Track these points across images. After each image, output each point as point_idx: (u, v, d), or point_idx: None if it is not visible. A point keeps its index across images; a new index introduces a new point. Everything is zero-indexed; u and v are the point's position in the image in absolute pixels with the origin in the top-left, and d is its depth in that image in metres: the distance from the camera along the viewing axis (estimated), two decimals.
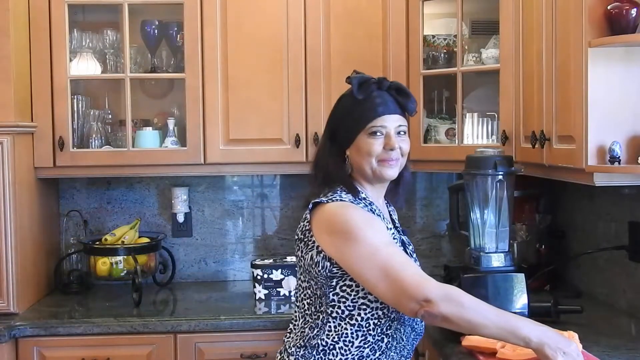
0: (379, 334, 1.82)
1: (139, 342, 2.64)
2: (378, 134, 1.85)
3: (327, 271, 1.80)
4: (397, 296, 1.70)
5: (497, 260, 2.33)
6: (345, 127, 1.89)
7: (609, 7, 1.98)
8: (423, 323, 1.88)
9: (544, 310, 2.36)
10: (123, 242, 3.03)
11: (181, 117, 3.06)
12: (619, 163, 1.97)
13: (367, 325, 1.81)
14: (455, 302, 1.67)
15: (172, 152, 2.98)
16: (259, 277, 2.94)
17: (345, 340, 1.81)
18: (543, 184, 2.84)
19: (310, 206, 1.83)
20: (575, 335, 2.01)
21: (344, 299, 1.81)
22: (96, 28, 3.07)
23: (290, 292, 2.94)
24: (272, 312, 2.80)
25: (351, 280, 1.79)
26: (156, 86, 3.24)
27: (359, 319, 1.81)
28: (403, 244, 1.94)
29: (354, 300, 1.81)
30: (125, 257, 2.96)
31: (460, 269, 2.35)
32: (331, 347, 1.81)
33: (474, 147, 2.68)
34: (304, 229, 1.86)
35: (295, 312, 1.94)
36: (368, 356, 1.82)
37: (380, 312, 1.81)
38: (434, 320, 1.69)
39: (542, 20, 2.32)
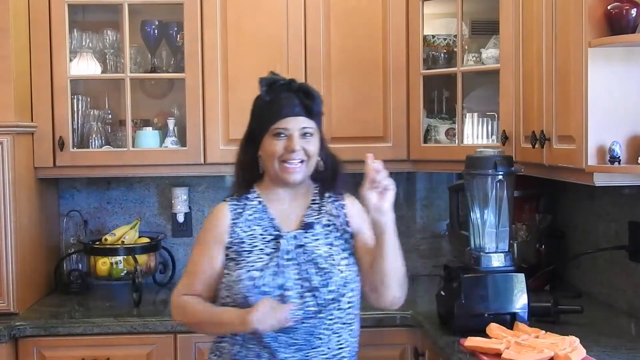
0: None
1: (138, 342, 2.64)
2: (281, 135, 1.88)
3: None
4: None
5: (497, 260, 2.33)
6: (255, 128, 1.94)
7: (609, 7, 1.98)
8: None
9: (544, 310, 2.36)
10: (123, 242, 3.03)
11: (181, 117, 3.06)
12: (619, 163, 1.97)
13: None
14: (180, 310, 1.93)
15: (172, 152, 2.98)
16: None
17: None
18: (543, 184, 2.84)
19: None
20: (577, 340, 2.01)
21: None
22: (96, 28, 3.07)
23: None
24: None
25: None
26: (156, 86, 3.24)
27: None
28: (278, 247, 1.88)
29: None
30: (125, 257, 2.96)
31: (460, 269, 2.35)
32: (219, 339, 1.98)
33: (474, 147, 2.68)
34: None
35: None
36: (228, 349, 1.92)
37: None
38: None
39: (542, 20, 2.32)
